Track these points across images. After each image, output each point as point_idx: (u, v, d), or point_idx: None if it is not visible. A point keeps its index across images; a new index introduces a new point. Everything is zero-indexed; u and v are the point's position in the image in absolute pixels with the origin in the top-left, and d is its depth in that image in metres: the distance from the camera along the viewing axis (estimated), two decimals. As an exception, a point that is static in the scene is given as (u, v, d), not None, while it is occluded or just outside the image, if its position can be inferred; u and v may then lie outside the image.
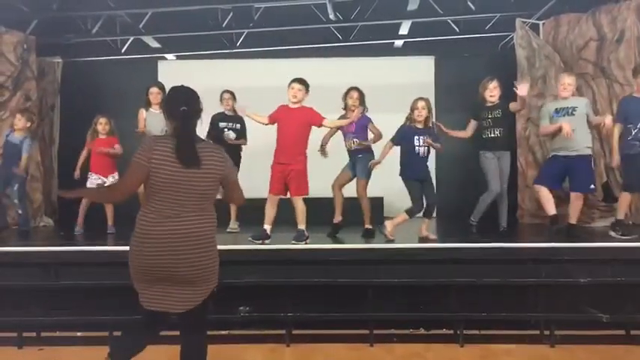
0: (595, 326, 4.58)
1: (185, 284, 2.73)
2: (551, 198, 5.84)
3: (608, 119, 5.62)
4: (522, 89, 5.60)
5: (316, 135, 5.92)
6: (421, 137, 5.67)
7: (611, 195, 7.17)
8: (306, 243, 5.42)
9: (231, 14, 8.43)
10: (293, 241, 5.38)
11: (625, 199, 5.80)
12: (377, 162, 5.80)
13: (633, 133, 5.63)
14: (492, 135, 5.94)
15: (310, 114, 5.53)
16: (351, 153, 6.10)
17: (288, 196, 5.56)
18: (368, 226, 6.11)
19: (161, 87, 6.52)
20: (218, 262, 2.85)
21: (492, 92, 5.95)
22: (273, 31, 8.60)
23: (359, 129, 6.02)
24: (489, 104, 5.98)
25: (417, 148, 5.67)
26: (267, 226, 5.51)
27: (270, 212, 5.52)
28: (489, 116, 5.96)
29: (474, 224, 6.00)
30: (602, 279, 4.74)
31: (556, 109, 5.80)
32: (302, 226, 5.53)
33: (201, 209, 2.75)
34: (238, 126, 6.79)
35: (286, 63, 8.92)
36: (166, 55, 9.51)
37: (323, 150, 6.15)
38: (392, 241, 5.54)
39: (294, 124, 5.47)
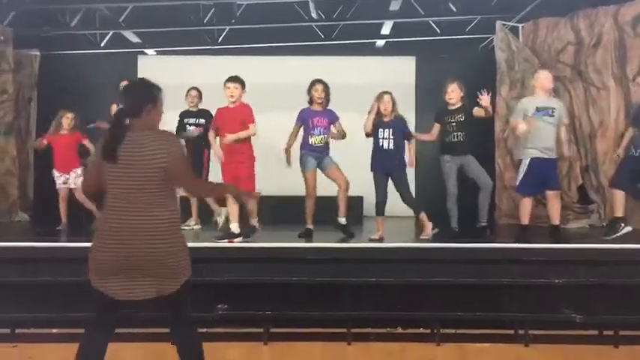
0: (568, 326, 4.64)
1: (148, 276, 2.72)
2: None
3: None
4: (485, 100, 5.59)
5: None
6: (386, 130, 5.78)
7: (586, 197, 7.30)
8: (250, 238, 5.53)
9: (212, 10, 8.39)
10: (243, 239, 5.52)
11: (619, 197, 5.73)
12: None
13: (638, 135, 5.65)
14: (454, 139, 5.88)
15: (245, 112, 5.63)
16: (316, 148, 5.97)
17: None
18: (343, 219, 6.04)
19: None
20: (183, 254, 2.81)
21: (450, 95, 5.89)
22: (255, 28, 8.57)
23: (328, 125, 6.01)
24: (451, 107, 5.93)
25: (380, 140, 5.79)
26: (234, 224, 5.57)
27: (232, 209, 5.59)
28: (452, 120, 5.90)
29: (455, 230, 5.95)
30: (576, 280, 4.81)
31: (537, 107, 5.59)
32: (253, 221, 5.67)
33: (149, 203, 2.72)
34: (203, 121, 6.72)
35: (268, 60, 8.91)
36: (146, 50, 9.43)
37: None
38: (381, 240, 5.61)
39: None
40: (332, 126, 6.07)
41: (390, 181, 5.88)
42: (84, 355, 2.85)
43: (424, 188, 7.80)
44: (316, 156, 5.96)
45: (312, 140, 5.95)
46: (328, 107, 6.06)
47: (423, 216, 5.90)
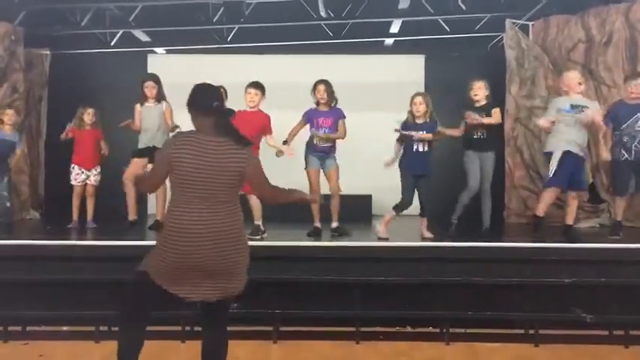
0: (579, 326, 4.63)
1: (219, 276, 2.78)
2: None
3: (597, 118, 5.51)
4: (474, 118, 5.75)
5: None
6: (419, 132, 5.71)
7: (596, 196, 7.25)
8: (262, 238, 5.49)
9: (222, 9, 8.40)
10: (248, 236, 5.43)
11: (620, 202, 5.88)
12: (387, 163, 5.80)
13: (620, 139, 5.71)
14: (476, 136, 5.92)
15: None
16: (321, 149, 5.97)
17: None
18: (336, 224, 6.05)
19: (156, 80, 6.37)
20: (248, 256, 2.89)
21: (476, 92, 5.93)
22: (264, 27, 8.58)
23: (334, 125, 5.97)
24: (477, 105, 5.96)
25: (414, 143, 5.72)
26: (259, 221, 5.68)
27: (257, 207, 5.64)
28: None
29: (454, 223, 5.99)
30: (586, 279, 4.79)
31: (571, 105, 5.57)
32: (258, 221, 5.64)
33: (225, 204, 2.79)
34: None
35: (277, 59, 8.92)
36: (156, 49, 9.46)
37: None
38: (386, 240, 5.56)
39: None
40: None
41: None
42: (127, 353, 2.86)
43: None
44: (320, 156, 5.97)
45: (316, 140, 5.96)
46: (337, 106, 6.04)
47: (424, 222, 5.90)
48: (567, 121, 5.54)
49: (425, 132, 5.70)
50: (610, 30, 7.12)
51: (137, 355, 2.86)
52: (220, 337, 2.96)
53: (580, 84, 5.65)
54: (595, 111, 5.56)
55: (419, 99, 5.77)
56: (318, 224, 6.00)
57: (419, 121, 5.76)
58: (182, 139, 2.81)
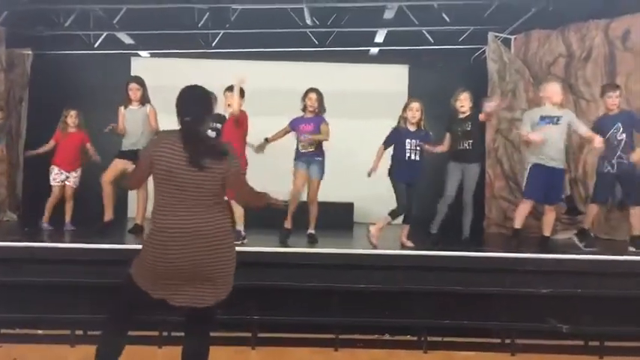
0: (555, 336, 4.69)
1: (207, 282, 2.75)
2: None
3: (597, 141, 5.59)
4: (490, 106, 5.76)
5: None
6: (413, 140, 5.67)
7: (574, 208, 7.35)
8: (242, 244, 5.48)
9: (207, 14, 8.39)
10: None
11: (592, 210, 5.96)
12: (372, 169, 5.72)
13: (603, 151, 5.81)
14: (461, 147, 5.97)
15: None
16: (305, 154, 6.02)
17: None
18: (312, 231, 6.10)
19: (141, 83, 6.34)
20: (235, 261, 2.87)
21: (463, 103, 5.98)
22: (250, 33, 8.58)
23: (315, 129, 6.00)
24: (461, 116, 6.01)
25: (407, 151, 5.67)
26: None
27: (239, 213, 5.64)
28: (460, 128, 5.99)
29: (433, 233, 6.02)
30: (562, 290, 4.85)
31: (541, 116, 5.70)
32: (240, 226, 5.65)
33: (206, 205, 2.76)
34: (219, 125, 6.66)
35: (262, 65, 8.92)
36: (140, 52, 9.41)
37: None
38: (375, 248, 5.58)
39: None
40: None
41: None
42: (104, 356, 2.84)
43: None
44: (306, 160, 6.03)
45: (300, 146, 6.03)
46: (320, 115, 6.07)
47: (406, 230, 5.93)
48: (539, 134, 5.62)
49: (418, 141, 5.69)
50: (590, 45, 7.25)
51: None
52: (202, 344, 2.92)
53: (555, 94, 5.70)
54: (573, 117, 5.73)
55: (416, 105, 5.71)
56: (289, 225, 6.01)
57: (412, 128, 5.72)
58: (164, 139, 2.80)
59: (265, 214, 6.52)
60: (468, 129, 5.97)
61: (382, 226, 5.73)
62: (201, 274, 2.73)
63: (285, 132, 6.15)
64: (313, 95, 6.03)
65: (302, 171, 6.02)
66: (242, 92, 5.79)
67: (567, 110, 5.94)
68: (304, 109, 6.08)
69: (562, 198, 5.96)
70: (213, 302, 2.80)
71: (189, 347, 2.91)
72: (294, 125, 6.10)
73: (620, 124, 5.74)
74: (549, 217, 5.84)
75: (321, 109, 6.05)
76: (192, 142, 2.75)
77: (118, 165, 6.13)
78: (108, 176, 6.10)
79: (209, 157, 2.73)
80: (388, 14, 7.96)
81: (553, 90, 5.78)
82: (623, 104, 6.10)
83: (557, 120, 5.67)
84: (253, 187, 3.06)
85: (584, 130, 5.76)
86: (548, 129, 5.63)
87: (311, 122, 6.02)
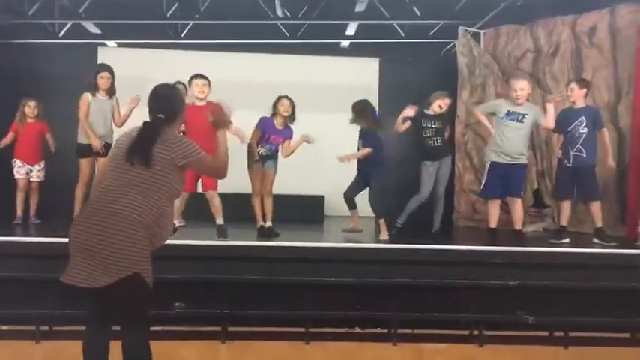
0: (521, 327, 4.76)
1: (96, 260, 2.66)
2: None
3: (550, 122, 5.75)
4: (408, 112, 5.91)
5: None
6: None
7: (541, 201, 7.48)
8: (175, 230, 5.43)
9: (176, 4, 8.26)
10: (218, 239, 5.42)
11: (561, 206, 6.04)
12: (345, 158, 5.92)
13: (563, 144, 5.93)
14: (434, 144, 5.99)
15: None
16: (263, 157, 5.95)
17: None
18: (269, 223, 6.04)
19: (112, 72, 6.18)
20: (137, 251, 2.71)
21: (442, 106, 6.02)
22: (220, 24, 8.48)
23: (283, 143, 5.95)
24: (431, 112, 6.02)
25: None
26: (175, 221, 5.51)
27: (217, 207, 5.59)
28: (432, 126, 6.00)
29: (399, 226, 6.06)
30: (530, 282, 4.93)
31: (508, 111, 5.75)
32: (220, 221, 5.55)
33: (138, 190, 2.74)
34: None
35: (231, 57, 8.84)
36: (107, 42, 9.22)
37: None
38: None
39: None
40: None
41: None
42: (86, 354, 2.81)
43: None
44: (262, 161, 5.95)
45: (261, 151, 5.89)
46: (289, 126, 5.97)
47: (383, 222, 5.99)
48: (502, 129, 5.73)
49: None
50: (557, 41, 7.36)
51: None
52: (129, 336, 2.77)
53: (517, 95, 5.72)
54: (538, 114, 5.79)
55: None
56: (262, 223, 5.99)
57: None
58: (126, 135, 2.91)
59: (237, 208, 6.52)
60: (440, 126, 6.03)
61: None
62: (96, 250, 2.66)
63: (257, 135, 5.87)
64: (286, 102, 5.87)
65: (269, 169, 5.98)
66: (209, 80, 5.68)
67: (535, 107, 5.98)
68: (275, 114, 5.90)
69: (519, 193, 5.95)
70: (103, 283, 2.65)
71: (91, 340, 2.87)
72: (263, 128, 5.88)
73: (584, 118, 5.82)
74: (516, 210, 5.85)
75: (292, 118, 5.92)
76: (142, 134, 2.82)
77: (85, 169, 6.04)
78: (79, 192, 6.06)
79: (148, 148, 2.77)
80: (359, 7, 7.95)
81: (519, 86, 5.76)
82: (588, 100, 6.19)
83: (522, 118, 5.73)
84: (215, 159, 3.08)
85: (544, 120, 5.80)
86: (513, 125, 5.71)
87: (281, 135, 5.90)
